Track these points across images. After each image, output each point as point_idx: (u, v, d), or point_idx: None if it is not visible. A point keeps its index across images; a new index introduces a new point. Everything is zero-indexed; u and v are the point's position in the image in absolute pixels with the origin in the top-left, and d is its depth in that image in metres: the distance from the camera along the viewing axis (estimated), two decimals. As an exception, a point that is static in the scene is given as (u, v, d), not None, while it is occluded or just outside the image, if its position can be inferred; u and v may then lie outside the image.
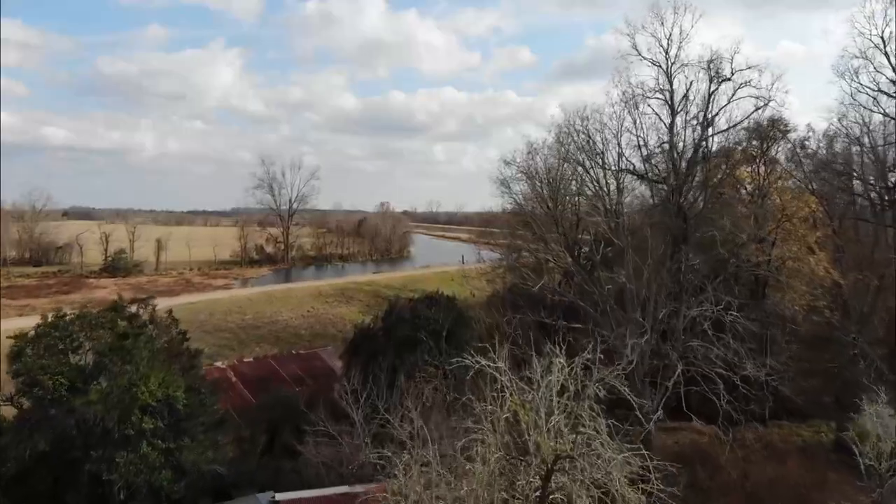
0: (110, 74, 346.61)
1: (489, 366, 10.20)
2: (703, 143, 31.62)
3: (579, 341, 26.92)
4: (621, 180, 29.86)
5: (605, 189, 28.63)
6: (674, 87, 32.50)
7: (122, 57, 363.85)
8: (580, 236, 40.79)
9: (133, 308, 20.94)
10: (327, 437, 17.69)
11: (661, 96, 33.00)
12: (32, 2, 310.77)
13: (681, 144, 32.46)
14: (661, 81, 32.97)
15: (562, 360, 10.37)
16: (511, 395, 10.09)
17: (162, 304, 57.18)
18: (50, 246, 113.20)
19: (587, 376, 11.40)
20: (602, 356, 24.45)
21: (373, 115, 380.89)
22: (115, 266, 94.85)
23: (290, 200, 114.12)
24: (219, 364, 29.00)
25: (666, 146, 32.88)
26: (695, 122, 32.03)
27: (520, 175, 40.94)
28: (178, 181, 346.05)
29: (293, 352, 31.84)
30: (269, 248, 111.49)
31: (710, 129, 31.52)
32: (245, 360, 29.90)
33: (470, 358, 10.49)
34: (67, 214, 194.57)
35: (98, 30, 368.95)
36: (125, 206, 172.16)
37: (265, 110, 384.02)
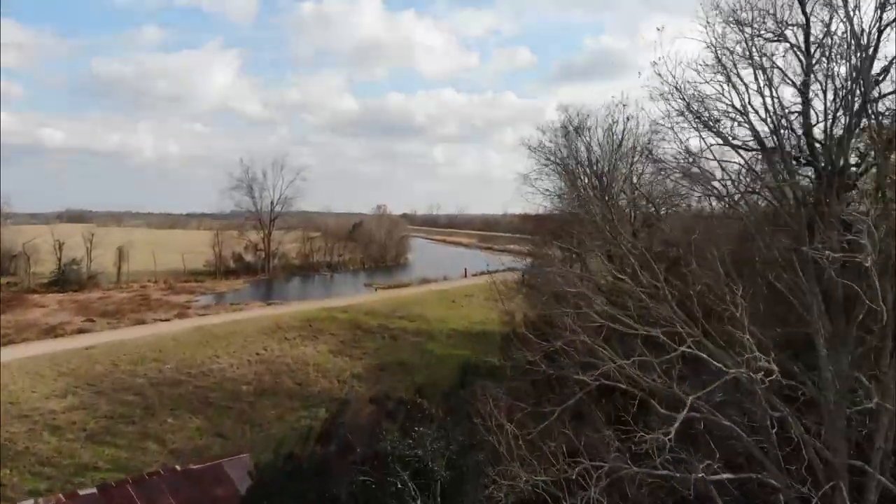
0: (107, 76, 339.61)
1: None
2: (868, 108, 19.15)
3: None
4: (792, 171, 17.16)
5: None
6: (810, 25, 20.10)
7: (119, 58, 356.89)
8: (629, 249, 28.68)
9: None
10: None
11: (786, 39, 20.61)
12: (27, 3, 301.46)
13: (817, 114, 20.02)
14: (787, 16, 20.53)
15: None
16: None
17: (84, 340, 43.84)
18: (6, 255, 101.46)
19: None
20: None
21: (372, 116, 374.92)
22: (67, 279, 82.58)
23: (271, 203, 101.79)
24: (31, 503, 16.16)
25: (795, 115, 20.43)
26: (849, 79, 19.55)
27: (551, 166, 28.99)
28: (178, 183, 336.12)
29: (177, 467, 19.03)
30: (249, 257, 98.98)
31: (879, 89, 19.05)
32: (85, 491, 17.06)
33: None
34: (62, 218, 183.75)
35: (94, 31, 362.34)
36: (124, 209, 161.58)
37: (264, 112, 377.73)
